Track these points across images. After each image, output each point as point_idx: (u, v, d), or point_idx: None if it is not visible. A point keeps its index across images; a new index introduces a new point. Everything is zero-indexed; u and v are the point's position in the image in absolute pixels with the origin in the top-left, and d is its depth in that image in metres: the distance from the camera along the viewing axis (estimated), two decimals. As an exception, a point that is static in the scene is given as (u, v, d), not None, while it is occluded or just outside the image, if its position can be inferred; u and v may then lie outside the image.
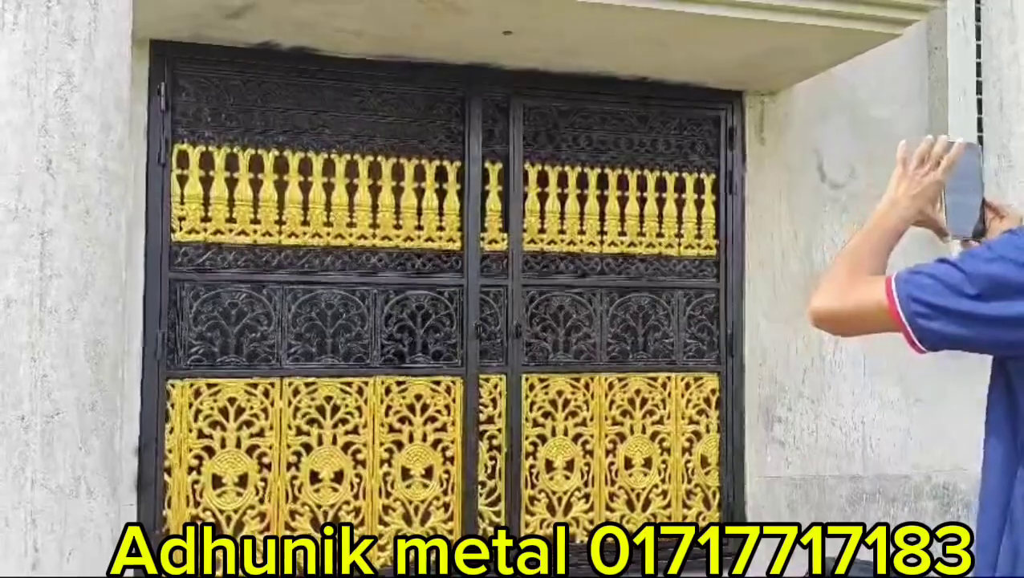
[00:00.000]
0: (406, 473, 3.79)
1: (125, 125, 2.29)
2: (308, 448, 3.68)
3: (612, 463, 4.04)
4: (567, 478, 3.98)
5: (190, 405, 3.56)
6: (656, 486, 4.09)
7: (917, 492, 4.42)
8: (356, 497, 3.72)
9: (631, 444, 4.07)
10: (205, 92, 3.65)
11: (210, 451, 3.58)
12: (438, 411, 3.84)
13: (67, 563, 1.98)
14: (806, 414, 4.30)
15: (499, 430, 3.91)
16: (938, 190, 1.42)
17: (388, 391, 3.78)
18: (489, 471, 3.89)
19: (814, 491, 4.27)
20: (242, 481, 3.61)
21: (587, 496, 4.00)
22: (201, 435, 3.57)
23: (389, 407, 3.78)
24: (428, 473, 3.81)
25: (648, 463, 4.09)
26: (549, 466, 3.97)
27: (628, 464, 4.06)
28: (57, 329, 2.06)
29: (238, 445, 3.60)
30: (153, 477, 3.49)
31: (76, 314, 2.08)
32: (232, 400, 3.61)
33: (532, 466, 3.94)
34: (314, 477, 3.68)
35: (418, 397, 3.82)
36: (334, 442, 3.71)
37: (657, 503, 4.09)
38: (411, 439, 3.80)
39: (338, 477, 3.70)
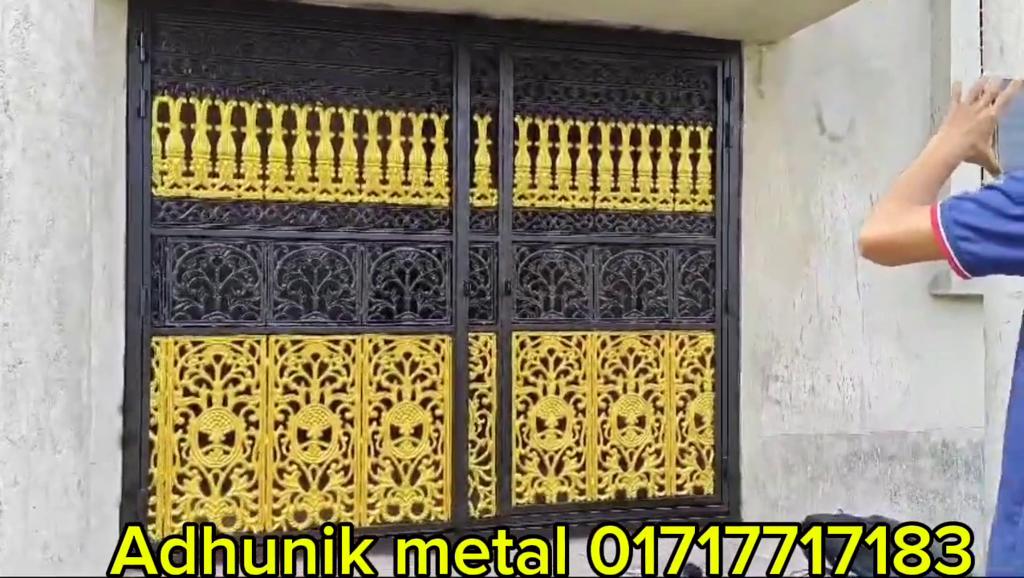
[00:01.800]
0: (395, 431, 3.74)
1: (88, 68, 2.21)
2: (296, 406, 3.63)
3: (604, 422, 3.99)
4: (559, 437, 3.93)
5: (175, 363, 3.52)
6: (649, 445, 4.04)
7: (915, 450, 4.37)
8: (345, 455, 3.68)
9: (624, 402, 4.01)
10: (185, 42, 3.56)
11: (196, 409, 3.53)
12: (427, 369, 3.78)
13: (31, 515, 1.94)
14: (803, 372, 4.23)
15: (489, 389, 3.85)
16: (992, 126, 1.44)
17: (376, 349, 3.73)
18: (479, 430, 3.84)
19: (811, 450, 4.22)
20: (229, 439, 3.57)
21: (579, 455, 3.96)
22: (187, 393, 3.53)
23: (377, 365, 3.73)
24: (418, 431, 3.77)
25: (641, 422, 4.04)
26: (540, 425, 3.92)
27: (621, 423, 4.01)
28: (19, 276, 2.00)
29: (224, 403, 3.56)
30: (138, 435, 3.45)
31: (38, 261, 2.02)
32: (218, 357, 3.56)
33: (523, 425, 3.90)
34: (302, 435, 3.64)
35: (407, 355, 3.76)
36: (322, 400, 3.66)
37: (650, 462, 4.04)
38: (400, 398, 3.75)
39: (326, 435, 3.66)
